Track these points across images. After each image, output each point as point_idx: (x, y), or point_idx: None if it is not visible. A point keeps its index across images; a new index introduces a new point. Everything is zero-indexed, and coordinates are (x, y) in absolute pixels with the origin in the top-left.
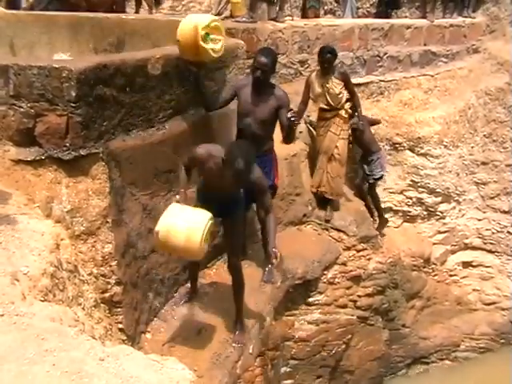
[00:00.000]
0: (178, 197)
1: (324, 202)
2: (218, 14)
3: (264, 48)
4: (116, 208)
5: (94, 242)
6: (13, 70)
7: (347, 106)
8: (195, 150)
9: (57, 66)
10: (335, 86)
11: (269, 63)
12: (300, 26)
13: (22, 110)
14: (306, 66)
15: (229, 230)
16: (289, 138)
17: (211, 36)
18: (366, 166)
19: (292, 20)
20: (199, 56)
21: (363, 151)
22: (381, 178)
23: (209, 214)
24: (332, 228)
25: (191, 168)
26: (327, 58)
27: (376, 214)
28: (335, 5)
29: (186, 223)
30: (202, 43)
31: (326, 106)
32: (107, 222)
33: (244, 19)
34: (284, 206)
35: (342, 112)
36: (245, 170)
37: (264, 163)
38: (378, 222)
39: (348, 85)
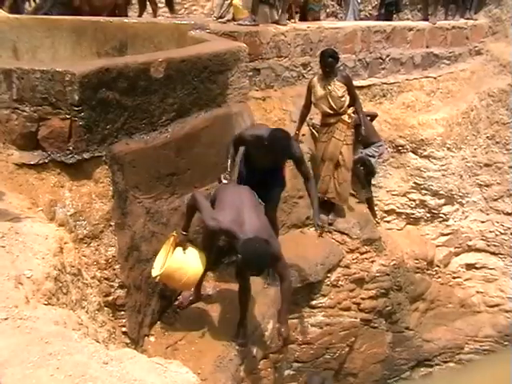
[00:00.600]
0: (222, 176)
1: (328, 206)
2: (220, 17)
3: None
4: (119, 211)
5: (98, 245)
6: (16, 74)
7: (350, 110)
8: (243, 132)
9: (60, 69)
10: (337, 88)
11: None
12: (302, 29)
13: (25, 113)
14: (309, 68)
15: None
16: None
17: None
18: (365, 150)
19: (294, 23)
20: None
21: (364, 146)
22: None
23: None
24: (335, 230)
25: (238, 147)
26: (329, 62)
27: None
28: (337, 7)
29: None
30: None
31: (328, 110)
32: (110, 225)
33: (246, 22)
34: (287, 208)
35: (345, 117)
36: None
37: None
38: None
39: (350, 89)
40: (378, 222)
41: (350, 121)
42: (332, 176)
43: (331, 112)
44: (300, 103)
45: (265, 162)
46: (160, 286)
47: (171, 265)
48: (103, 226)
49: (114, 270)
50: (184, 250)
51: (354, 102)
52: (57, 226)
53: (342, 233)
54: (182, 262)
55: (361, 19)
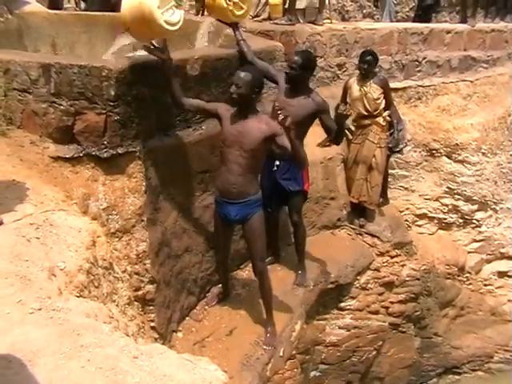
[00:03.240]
0: None
1: (360, 209)
2: (256, 16)
3: (301, 49)
4: (151, 207)
5: (129, 239)
6: (54, 69)
7: (386, 113)
8: None
9: (97, 65)
10: (373, 90)
11: (299, 61)
12: (338, 30)
13: (62, 107)
14: (344, 69)
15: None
16: (339, 138)
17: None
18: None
19: (331, 23)
20: (152, 34)
21: (388, 102)
22: (400, 151)
23: None
24: (366, 233)
25: None
26: (367, 60)
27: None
28: (374, 8)
29: None
30: (155, 16)
31: (363, 112)
32: (142, 220)
33: (283, 21)
34: (318, 209)
35: (380, 119)
36: None
37: (293, 168)
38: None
39: (386, 92)
40: (410, 226)
41: (384, 124)
42: (365, 179)
43: (366, 114)
44: (334, 104)
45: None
46: (189, 283)
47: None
48: (135, 221)
49: (145, 264)
50: None
51: (389, 106)
52: (90, 219)
53: (373, 235)
54: None
55: (397, 21)
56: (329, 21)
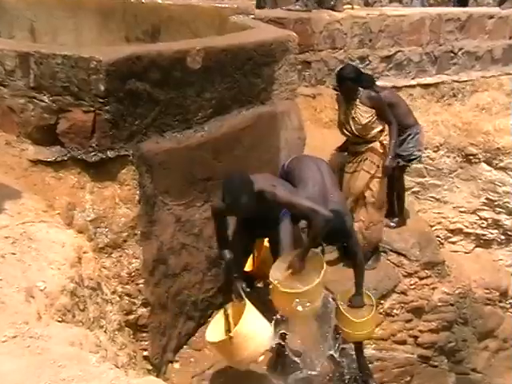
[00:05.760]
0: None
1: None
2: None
3: None
4: (146, 218)
5: (120, 256)
6: (34, 59)
7: (383, 137)
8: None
9: (84, 55)
10: (361, 114)
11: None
12: (361, 17)
13: (43, 104)
14: (367, 62)
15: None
16: None
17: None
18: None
19: (352, 9)
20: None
21: (386, 122)
22: (416, 159)
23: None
24: (391, 251)
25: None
26: (345, 87)
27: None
28: None
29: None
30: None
31: (352, 138)
32: (135, 234)
33: (297, 7)
34: None
35: (377, 145)
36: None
37: None
38: (395, 219)
39: (381, 111)
40: (442, 243)
41: (382, 150)
42: (357, 217)
43: (357, 140)
44: None
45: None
46: (188, 306)
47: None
48: (127, 235)
49: (138, 285)
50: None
51: (388, 125)
52: (75, 232)
53: (399, 253)
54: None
55: (430, 5)
56: (350, 6)
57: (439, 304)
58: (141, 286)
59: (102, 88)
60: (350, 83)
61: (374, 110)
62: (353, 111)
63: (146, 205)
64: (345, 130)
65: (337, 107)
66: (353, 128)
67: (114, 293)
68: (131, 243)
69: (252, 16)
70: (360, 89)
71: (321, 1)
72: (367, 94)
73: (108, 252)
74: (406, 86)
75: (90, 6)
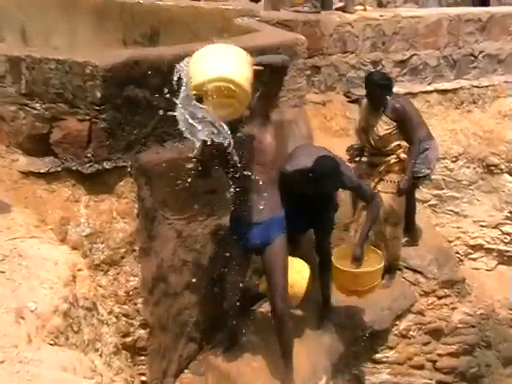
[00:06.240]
0: None
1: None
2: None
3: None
4: (145, 234)
5: (117, 273)
6: (25, 64)
7: (400, 151)
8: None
9: (79, 60)
10: (381, 125)
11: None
12: (374, 18)
13: (35, 111)
14: (380, 67)
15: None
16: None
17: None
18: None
19: (364, 10)
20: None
21: (406, 140)
22: (424, 177)
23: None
24: (406, 268)
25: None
26: (374, 93)
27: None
28: None
29: None
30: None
31: (369, 147)
32: (133, 250)
33: (306, 8)
34: (347, 238)
35: (392, 158)
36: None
37: None
38: (405, 238)
39: (404, 127)
40: (462, 260)
41: (398, 167)
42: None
43: (373, 150)
44: None
45: (311, 197)
46: (189, 327)
47: None
48: (124, 251)
49: (136, 304)
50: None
51: (409, 142)
52: (69, 248)
53: (415, 271)
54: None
55: (448, 5)
56: (362, 7)
57: (459, 326)
58: (139, 305)
59: (99, 95)
60: (379, 90)
61: (395, 123)
62: (374, 120)
63: (145, 219)
64: (363, 139)
65: (347, 114)
66: (370, 138)
67: (110, 313)
68: (129, 260)
69: (257, 18)
70: (388, 97)
71: (323, 3)
72: (393, 105)
73: (104, 269)
74: (422, 92)
75: (84, 6)
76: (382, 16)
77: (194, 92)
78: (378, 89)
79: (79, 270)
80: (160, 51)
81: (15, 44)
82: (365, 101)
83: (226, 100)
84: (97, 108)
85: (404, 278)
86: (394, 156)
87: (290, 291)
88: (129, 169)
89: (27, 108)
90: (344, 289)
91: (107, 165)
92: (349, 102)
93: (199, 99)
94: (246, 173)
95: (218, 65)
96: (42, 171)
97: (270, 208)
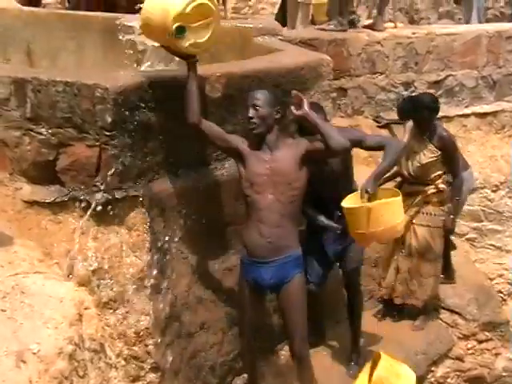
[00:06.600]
0: None
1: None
2: None
3: None
4: (157, 269)
5: (127, 312)
6: (31, 86)
7: (439, 181)
8: None
9: (88, 82)
10: (425, 153)
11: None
12: (405, 36)
13: (40, 137)
14: (412, 89)
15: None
16: None
17: (188, 29)
18: None
19: (395, 28)
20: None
21: (450, 172)
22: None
23: None
24: (443, 308)
25: None
26: (422, 116)
27: None
28: (454, 5)
29: None
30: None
31: (406, 175)
32: (145, 286)
33: (331, 27)
34: (377, 275)
35: (430, 189)
36: None
37: None
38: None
39: (449, 158)
40: (505, 300)
41: (436, 198)
42: (398, 267)
43: (411, 179)
44: (399, 135)
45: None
46: (205, 371)
47: None
48: (135, 288)
49: (147, 346)
50: None
51: (453, 174)
52: (75, 285)
53: (453, 311)
54: None
55: (487, 21)
56: (392, 25)
57: (504, 374)
58: (150, 347)
59: (109, 119)
60: (428, 113)
61: (440, 152)
62: (418, 146)
63: (158, 253)
64: (402, 164)
65: None
66: (409, 165)
67: (119, 355)
68: (140, 297)
69: (279, 37)
70: (436, 123)
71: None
72: (440, 133)
73: (113, 308)
74: (458, 116)
75: (94, 24)
76: (414, 34)
77: (176, 24)
78: (426, 112)
79: (86, 309)
80: (174, 73)
81: (21, 65)
82: (409, 124)
83: (206, 21)
84: (107, 133)
85: (440, 319)
86: (433, 186)
87: None
88: (140, 199)
89: (32, 133)
90: (361, 236)
91: (117, 194)
92: (378, 127)
93: (181, 30)
94: None
95: None
96: (47, 200)
97: (286, 244)
